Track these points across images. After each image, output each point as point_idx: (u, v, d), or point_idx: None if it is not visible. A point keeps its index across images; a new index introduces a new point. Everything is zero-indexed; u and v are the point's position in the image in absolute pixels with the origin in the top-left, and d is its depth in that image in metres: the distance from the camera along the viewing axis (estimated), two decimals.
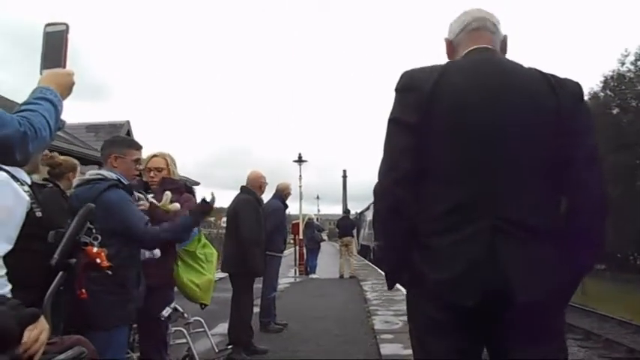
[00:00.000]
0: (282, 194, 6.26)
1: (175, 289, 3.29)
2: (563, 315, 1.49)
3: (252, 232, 4.85)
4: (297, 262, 15.13)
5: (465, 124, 1.38)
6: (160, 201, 2.98)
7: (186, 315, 3.73)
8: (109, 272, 1.71)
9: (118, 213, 2.41)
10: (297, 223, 15.90)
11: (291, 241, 16.65)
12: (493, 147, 1.37)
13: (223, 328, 5.21)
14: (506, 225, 1.33)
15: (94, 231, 1.66)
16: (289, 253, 17.08)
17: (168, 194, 2.93)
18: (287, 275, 13.95)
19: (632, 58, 22.07)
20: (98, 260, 1.66)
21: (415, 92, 1.43)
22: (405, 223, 1.42)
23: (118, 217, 2.40)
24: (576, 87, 1.46)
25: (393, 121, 1.46)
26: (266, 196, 5.86)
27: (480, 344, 1.45)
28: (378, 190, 1.47)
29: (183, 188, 3.36)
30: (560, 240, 1.39)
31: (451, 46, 1.62)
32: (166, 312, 3.04)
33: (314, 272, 14.72)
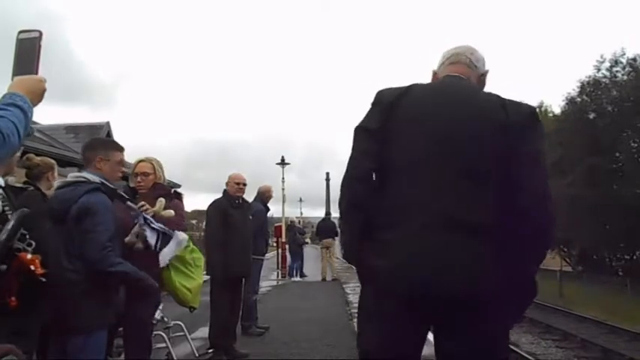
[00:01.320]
0: (263, 197, 6.26)
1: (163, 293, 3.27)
2: (507, 313, 1.57)
3: (212, 235, 4.86)
4: (280, 265, 15.12)
5: (417, 131, 1.58)
6: (152, 206, 2.97)
7: (165, 319, 3.71)
8: (44, 279, 1.63)
9: (91, 217, 2.34)
10: (280, 226, 15.89)
11: (274, 244, 16.63)
12: (440, 151, 1.53)
13: (204, 332, 5.18)
14: (446, 223, 1.47)
15: (27, 237, 1.60)
16: (272, 256, 17.07)
17: (162, 201, 2.92)
18: (269, 278, 13.92)
19: (607, 64, 22.67)
20: (32, 267, 1.59)
21: (380, 105, 1.65)
22: (363, 213, 1.59)
23: (89, 220, 2.34)
24: (528, 108, 1.62)
25: (358, 128, 1.66)
26: (248, 199, 5.86)
27: (419, 334, 1.56)
28: (342, 187, 1.64)
29: (174, 194, 3.36)
30: (504, 239, 1.48)
31: (435, 77, 1.82)
32: (158, 315, 3.03)
33: (294, 275, 14.73)
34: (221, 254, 4.69)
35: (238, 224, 4.92)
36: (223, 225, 4.83)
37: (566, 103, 24.71)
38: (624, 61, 22.12)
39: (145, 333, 3.04)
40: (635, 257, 23.75)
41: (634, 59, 21.64)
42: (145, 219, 2.78)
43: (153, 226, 2.80)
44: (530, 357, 8.94)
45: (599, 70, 22.96)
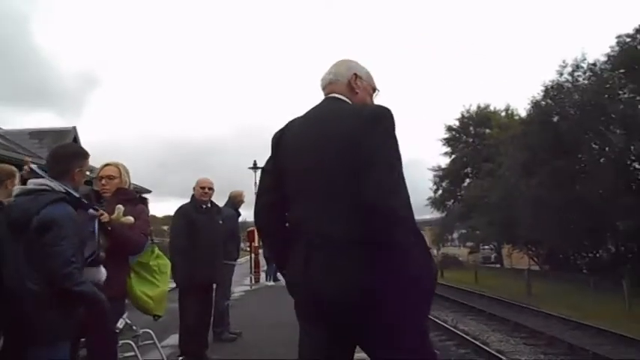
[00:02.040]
0: (234, 201, 6.24)
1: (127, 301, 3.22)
2: (398, 311, 1.56)
3: (174, 241, 4.84)
4: (253, 270, 15.04)
5: (290, 162, 1.80)
6: (111, 212, 2.92)
7: (134, 327, 3.65)
8: None
9: (56, 230, 2.23)
10: (253, 231, 15.77)
11: (247, 249, 16.51)
12: (305, 177, 1.73)
13: (175, 339, 5.11)
14: (317, 239, 1.66)
15: None
16: (245, 261, 16.93)
17: (120, 207, 2.86)
18: (242, 283, 13.83)
19: (569, 69, 23.46)
20: None
21: (271, 146, 1.91)
22: (272, 239, 1.96)
23: (54, 234, 2.22)
24: (372, 111, 1.72)
25: (261, 170, 2.01)
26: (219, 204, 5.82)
27: (330, 345, 1.69)
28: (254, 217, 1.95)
29: (137, 199, 3.31)
30: (365, 247, 1.56)
31: None
32: (121, 324, 2.97)
33: (268, 279, 14.66)
34: (184, 260, 4.60)
35: (204, 229, 4.83)
36: (188, 231, 4.76)
37: (532, 107, 25.46)
38: (585, 66, 22.96)
39: (109, 343, 2.97)
40: (597, 255, 24.61)
41: (594, 64, 22.48)
42: (94, 230, 2.72)
43: (97, 241, 2.73)
44: (499, 355, 9.14)
45: (561, 74, 23.75)
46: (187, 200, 5.13)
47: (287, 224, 1.87)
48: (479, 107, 39.17)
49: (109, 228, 2.84)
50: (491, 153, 33.65)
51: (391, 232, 1.52)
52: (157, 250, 3.37)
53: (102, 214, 2.80)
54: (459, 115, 39.45)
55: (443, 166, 40.19)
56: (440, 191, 40.19)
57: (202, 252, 4.72)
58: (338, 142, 1.65)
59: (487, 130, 37.56)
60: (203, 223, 4.86)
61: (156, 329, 4.47)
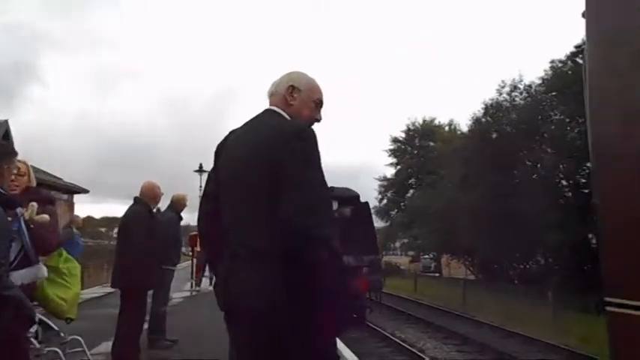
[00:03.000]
0: (177, 205, 6.12)
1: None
2: (296, 326, 1.58)
3: (140, 245, 4.69)
4: (194, 275, 14.71)
5: (221, 173, 1.86)
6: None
7: (62, 334, 3.50)
8: None
9: None
10: (195, 235, 15.46)
11: (189, 253, 16.15)
12: (232, 188, 1.78)
13: (106, 346, 4.92)
14: (238, 249, 1.70)
15: None
16: (186, 266, 16.54)
17: (34, 205, 2.77)
18: (182, 289, 13.50)
19: (507, 89, 24.82)
20: None
21: (214, 155, 1.95)
22: (209, 246, 2.01)
23: None
24: (291, 127, 1.74)
25: (207, 175, 2.03)
26: (162, 207, 5.71)
27: (247, 343, 1.71)
28: None
29: (47, 200, 3.21)
30: (280, 261, 1.57)
31: None
32: (34, 329, 2.84)
33: (211, 284, 14.41)
34: (147, 266, 4.62)
35: (155, 233, 4.87)
36: (144, 235, 4.72)
37: (473, 123, 26.66)
38: (522, 86, 24.38)
39: (21, 351, 2.83)
40: (527, 266, 26.02)
41: (530, 86, 23.92)
42: (20, 228, 2.61)
43: (24, 239, 2.62)
44: None
45: (500, 93, 25.07)
46: (129, 202, 5.07)
47: None
48: (424, 120, 40.53)
49: (32, 226, 2.73)
50: (434, 165, 34.87)
51: (302, 249, 1.52)
52: (64, 253, 3.34)
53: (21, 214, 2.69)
54: (404, 127, 40.65)
55: (389, 176, 41.18)
56: (385, 201, 41.11)
57: (152, 255, 4.75)
58: (259, 157, 1.68)
59: (431, 143, 38.89)
60: (154, 227, 4.90)
61: (86, 336, 4.30)
